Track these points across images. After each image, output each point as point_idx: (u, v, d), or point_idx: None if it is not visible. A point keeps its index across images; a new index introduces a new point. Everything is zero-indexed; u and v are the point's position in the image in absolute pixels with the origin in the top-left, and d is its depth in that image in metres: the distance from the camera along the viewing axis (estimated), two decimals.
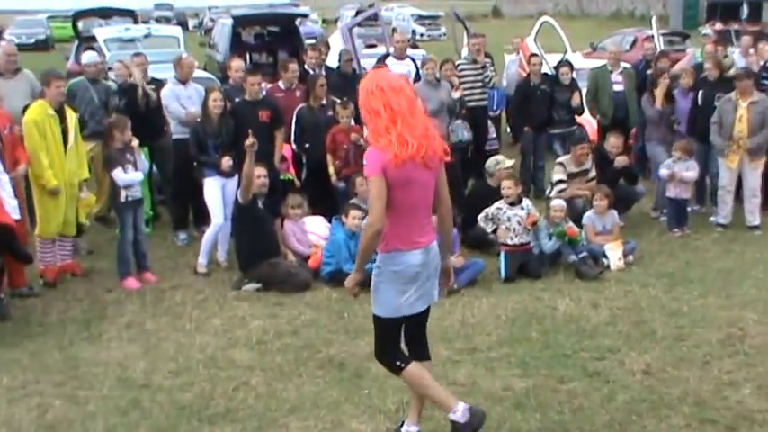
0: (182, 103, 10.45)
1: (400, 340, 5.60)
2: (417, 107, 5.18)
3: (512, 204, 9.61)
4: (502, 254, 9.38)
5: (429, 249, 5.34)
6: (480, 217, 9.67)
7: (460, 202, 10.78)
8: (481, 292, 8.92)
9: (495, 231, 9.65)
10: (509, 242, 9.44)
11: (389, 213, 5.12)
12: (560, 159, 10.96)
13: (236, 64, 11.18)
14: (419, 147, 5.03)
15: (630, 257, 9.71)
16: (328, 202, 10.42)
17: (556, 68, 13.36)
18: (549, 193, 10.66)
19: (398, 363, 5.48)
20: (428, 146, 5.09)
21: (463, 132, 11.43)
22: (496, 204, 9.66)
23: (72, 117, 9.15)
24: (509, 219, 9.51)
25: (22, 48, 12.63)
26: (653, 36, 16.18)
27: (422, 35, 50.07)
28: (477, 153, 12.50)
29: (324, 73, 11.94)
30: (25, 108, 9.23)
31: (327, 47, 13.27)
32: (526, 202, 9.77)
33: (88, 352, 7.43)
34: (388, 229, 5.17)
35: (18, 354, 7.41)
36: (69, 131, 9.05)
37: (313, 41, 18.98)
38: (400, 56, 12.90)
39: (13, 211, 8.15)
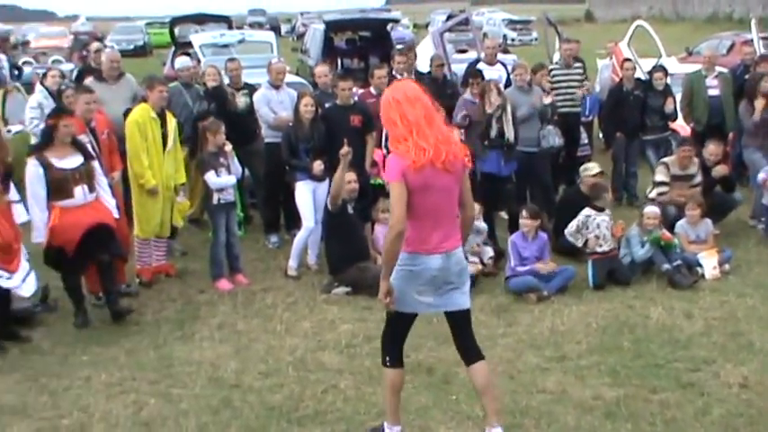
0: (272, 107, 10.58)
1: (404, 338, 5.87)
2: (434, 115, 5.35)
3: (599, 210, 9.49)
4: (589, 262, 9.26)
5: (451, 255, 5.46)
6: (568, 231, 9.53)
7: (551, 208, 10.72)
8: (571, 299, 8.82)
9: (585, 244, 9.52)
10: (598, 250, 9.32)
11: (410, 217, 5.28)
12: (664, 160, 10.76)
13: (321, 69, 11.31)
14: (437, 152, 5.20)
15: (726, 266, 9.47)
16: None
17: (649, 73, 13.12)
18: (650, 193, 10.48)
19: (387, 358, 5.79)
20: (447, 151, 5.25)
21: (554, 138, 11.30)
22: (584, 211, 9.54)
23: (172, 122, 9.36)
24: (598, 225, 9.39)
25: (122, 54, 12.91)
26: (752, 40, 15.76)
27: (513, 40, 49.68)
28: (568, 159, 12.37)
29: (414, 78, 11.95)
30: (126, 112, 9.48)
31: (414, 52, 13.25)
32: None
33: (181, 351, 7.58)
34: (410, 232, 5.32)
35: (115, 351, 7.61)
36: (169, 135, 9.25)
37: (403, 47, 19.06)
38: (491, 61, 12.84)
39: (112, 210, 8.36)
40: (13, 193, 7.80)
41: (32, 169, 7.89)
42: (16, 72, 23.69)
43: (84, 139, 8.45)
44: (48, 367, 7.33)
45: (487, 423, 5.74)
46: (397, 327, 5.80)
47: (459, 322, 5.79)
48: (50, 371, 7.24)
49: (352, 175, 9.22)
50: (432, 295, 5.54)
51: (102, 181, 8.34)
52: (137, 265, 9.37)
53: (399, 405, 5.89)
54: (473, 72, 11.71)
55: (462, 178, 5.45)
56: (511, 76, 11.99)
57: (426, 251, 5.40)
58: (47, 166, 7.85)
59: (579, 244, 9.52)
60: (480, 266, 9.33)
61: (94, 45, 14.64)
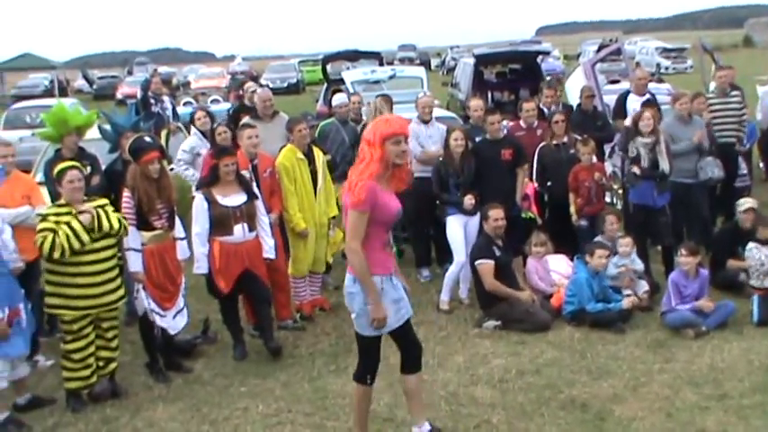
0: (421, 142, 10.67)
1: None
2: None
3: (764, 243, 9.16)
4: (755, 297, 8.93)
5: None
6: (759, 271, 9.22)
7: (708, 241, 10.41)
8: (731, 335, 8.52)
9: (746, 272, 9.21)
10: (762, 285, 8.98)
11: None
12: None
13: (475, 103, 11.30)
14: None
15: None
16: (571, 240, 10.29)
17: None
18: None
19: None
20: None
21: (713, 170, 10.92)
22: (749, 245, 9.24)
23: (320, 158, 9.55)
24: (762, 262, 9.06)
25: (275, 91, 13.30)
26: None
27: (666, 68, 48.71)
28: (726, 190, 11.97)
29: (562, 110, 11.85)
30: (282, 150, 9.74)
31: (561, 84, 13.15)
32: None
33: (335, 384, 7.70)
34: None
35: (271, 383, 7.80)
36: (318, 172, 9.44)
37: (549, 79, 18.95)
38: (640, 92, 12.58)
39: (269, 251, 8.58)
40: (180, 230, 8.10)
41: (198, 203, 8.24)
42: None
43: (246, 174, 8.74)
44: (208, 397, 7.58)
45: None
46: None
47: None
48: (211, 401, 7.49)
49: (499, 213, 9.20)
50: None
51: (263, 220, 8.59)
52: (294, 301, 9.57)
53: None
54: (645, 102, 11.51)
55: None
56: (667, 106, 11.70)
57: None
58: (211, 202, 8.17)
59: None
60: (635, 300, 9.13)
61: (249, 84, 15.13)
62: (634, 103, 11.75)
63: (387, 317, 6.00)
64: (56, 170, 7.32)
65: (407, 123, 6.36)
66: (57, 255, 6.96)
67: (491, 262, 9.11)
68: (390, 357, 8.24)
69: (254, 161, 9.09)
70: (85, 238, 7.03)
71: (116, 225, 7.28)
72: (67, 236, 6.95)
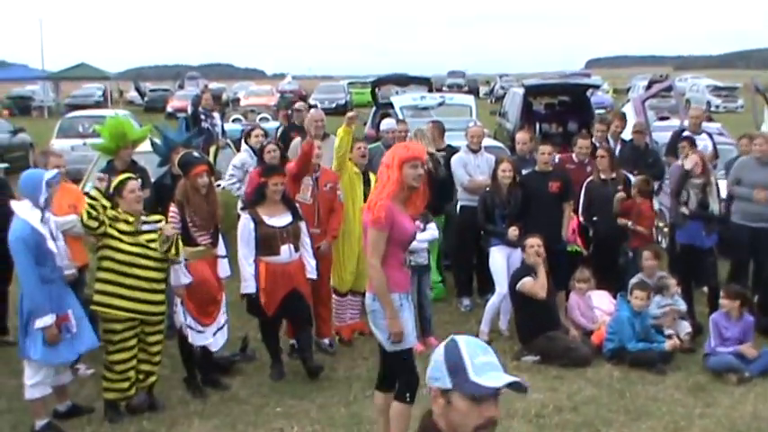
0: (469, 170, 10.67)
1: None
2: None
3: None
4: None
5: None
6: None
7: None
8: None
9: None
10: None
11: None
12: None
13: (521, 136, 11.30)
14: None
15: None
16: (614, 276, 10.21)
17: None
18: None
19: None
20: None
21: None
22: None
23: (374, 181, 9.58)
24: None
25: (324, 112, 13.33)
26: None
27: (717, 107, 48.25)
28: None
29: (618, 146, 11.79)
30: None
31: (623, 119, 13.03)
32: None
33: (371, 410, 7.63)
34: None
35: (307, 405, 7.79)
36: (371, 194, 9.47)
37: (602, 111, 18.80)
38: (695, 130, 12.47)
39: (311, 271, 8.60)
40: (222, 248, 8.15)
41: (245, 223, 8.28)
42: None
43: (308, 181, 8.83)
44: (244, 415, 7.60)
45: None
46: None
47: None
48: (246, 419, 7.51)
49: (537, 240, 9.15)
50: None
51: (305, 241, 8.58)
52: (335, 322, 9.58)
53: None
54: (682, 139, 11.46)
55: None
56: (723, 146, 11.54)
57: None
58: (258, 222, 8.21)
59: None
60: (677, 343, 9.02)
61: (298, 104, 15.23)
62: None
63: (404, 332, 6.24)
64: (116, 181, 7.43)
65: (424, 149, 6.79)
66: (93, 224, 7.11)
67: (530, 278, 9.08)
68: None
69: (316, 173, 9.13)
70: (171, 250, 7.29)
71: (173, 252, 7.40)
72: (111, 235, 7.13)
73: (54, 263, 7.04)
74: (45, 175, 7.15)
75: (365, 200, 9.29)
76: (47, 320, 6.85)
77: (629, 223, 10.27)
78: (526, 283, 9.07)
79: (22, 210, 7.02)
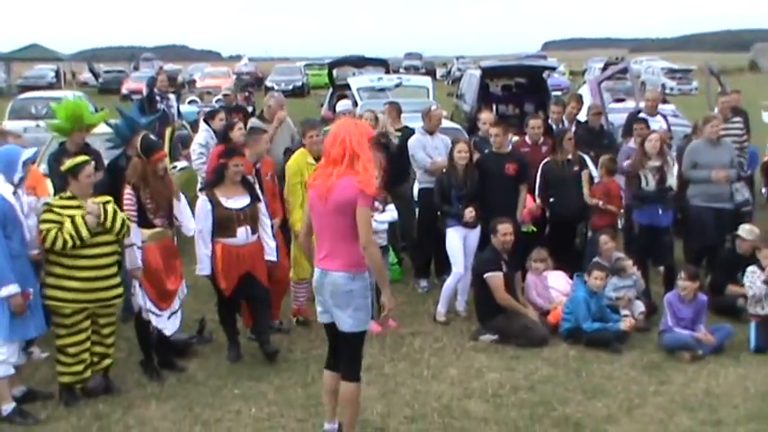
0: (428, 152, 10.68)
1: (329, 344, 6.54)
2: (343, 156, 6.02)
3: (763, 269, 9.15)
4: (752, 324, 8.93)
5: (325, 273, 6.16)
6: (753, 298, 9.17)
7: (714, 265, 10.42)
8: (728, 360, 8.52)
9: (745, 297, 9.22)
10: (760, 312, 8.98)
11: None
12: None
13: (486, 116, 11.33)
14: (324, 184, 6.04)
15: None
16: (571, 256, 10.28)
17: None
18: None
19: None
20: (331, 186, 6.01)
21: (745, 192, 10.95)
22: (749, 269, 9.25)
23: None
24: (760, 288, 9.04)
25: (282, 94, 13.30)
26: None
27: (672, 89, 48.67)
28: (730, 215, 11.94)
29: (573, 127, 11.85)
30: (286, 152, 9.73)
31: (579, 101, 13.12)
32: None
33: None
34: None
35: (265, 387, 7.79)
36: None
37: (559, 93, 18.89)
38: (652, 113, 12.58)
39: (271, 252, 8.57)
40: (189, 218, 8.10)
41: (202, 205, 8.23)
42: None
43: (250, 179, 8.75)
44: (201, 398, 7.57)
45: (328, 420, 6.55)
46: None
47: (339, 338, 6.31)
48: (204, 401, 7.48)
49: (508, 227, 9.19)
50: (320, 305, 6.33)
51: (265, 222, 8.56)
52: (293, 305, 9.54)
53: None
54: (637, 120, 11.56)
55: (351, 212, 5.97)
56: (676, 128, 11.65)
57: (313, 264, 6.31)
58: (215, 204, 8.16)
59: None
60: (633, 322, 9.11)
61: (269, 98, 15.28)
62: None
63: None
64: (71, 163, 7.32)
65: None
66: (58, 246, 7.00)
67: (500, 274, 9.11)
68: (385, 366, 8.28)
69: (257, 164, 9.10)
70: (85, 234, 7.06)
71: (118, 226, 7.30)
72: (71, 234, 6.98)
73: (23, 237, 6.96)
74: (23, 154, 7.09)
75: None
76: (11, 289, 6.79)
77: (600, 203, 10.32)
78: (496, 280, 9.12)
79: None
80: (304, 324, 9.49)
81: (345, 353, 6.30)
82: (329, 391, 6.51)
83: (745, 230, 9.92)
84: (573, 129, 11.74)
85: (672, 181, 10.05)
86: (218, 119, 11.51)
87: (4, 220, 6.82)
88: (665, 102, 17.89)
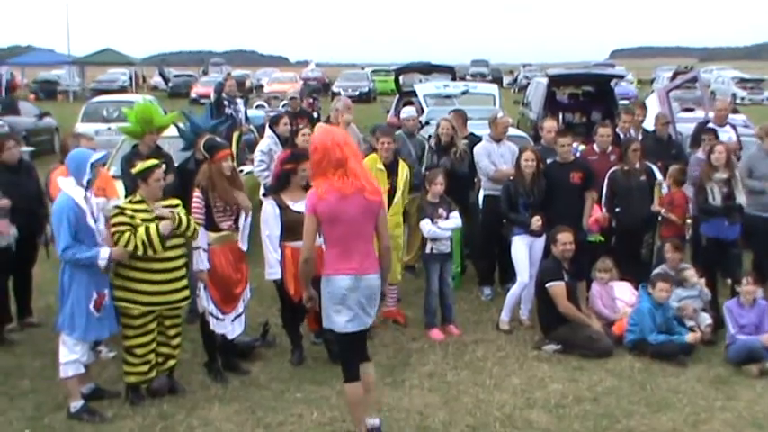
0: (493, 160, 10.64)
1: (354, 354, 6.52)
2: (349, 159, 6.23)
3: None
4: None
5: (360, 278, 6.29)
6: None
7: None
8: None
9: None
10: None
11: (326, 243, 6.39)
12: None
13: (549, 124, 11.24)
14: (343, 188, 6.19)
15: None
16: (637, 267, 10.17)
17: None
18: None
19: (346, 375, 6.49)
20: (358, 187, 6.21)
21: None
22: None
23: (403, 172, 9.59)
24: None
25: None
26: None
27: (743, 99, 47.91)
28: None
29: (640, 136, 11.72)
30: None
31: (644, 108, 12.99)
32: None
33: (391, 397, 7.69)
34: (326, 256, 6.39)
35: (327, 391, 7.81)
36: (399, 186, 9.48)
37: (626, 102, 18.66)
38: (721, 123, 12.40)
39: None
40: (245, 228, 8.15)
41: (269, 209, 8.29)
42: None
43: None
44: (264, 401, 7.63)
45: (368, 415, 6.61)
46: (342, 347, 6.58)
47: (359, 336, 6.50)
48: (266, 405, 7.54)
49: (568, 236, 9.13)
50: (347, 313, 6.33)
51: None
52: (383, 309, 9.50)
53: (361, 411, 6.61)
54: (706, 130, 11.39)
55: (377, 213, 6.36)
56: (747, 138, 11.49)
57: (336, 272, 6.27)
58: (283, 208, 8.22)
59: None
60: (698, 336, 8.97)
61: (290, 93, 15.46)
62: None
63: None
64: (141, 167, 7.44)
65: None
66: (130, 248, 7.13)
67: (562, 284, 9.05)
68: (447, 374, 8.27)
69: None
70: (157, 246, 7.17)
71: (188, 230, 7.41)
72: (143, 241, 7.11)
73: (93, 241, 7.09)
74: (91, 156, 7.24)
75: (389, 194, 9.29)
76: (103, 253, 7.01)
77: (663, 211, 10.21)
78: (557, 289, 9.05)
79: (67, 186, 7.12)
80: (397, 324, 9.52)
81: (365, 345, 6.73)
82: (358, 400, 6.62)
83: None
84: (640, 137, 11.62)
85: (740, 196, 9.85)
86: (282, 123, 11.55)
87: (77, 224, 6.97)
88: (735, 112, 17.61)
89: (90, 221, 7.06)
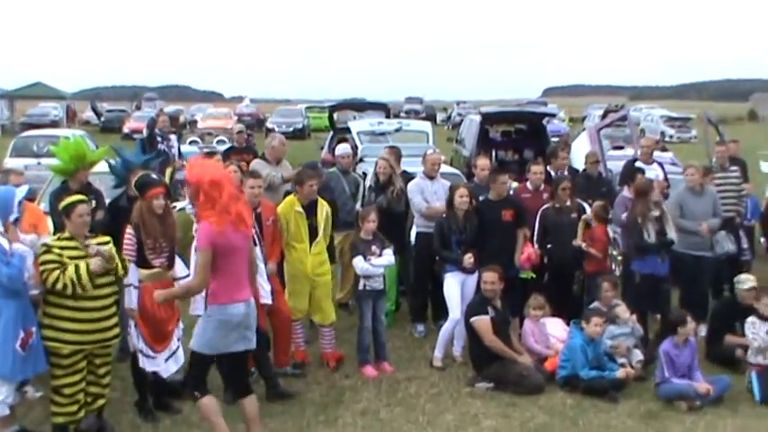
0: (426, 197, 10.71)
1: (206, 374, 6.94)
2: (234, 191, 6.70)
3: (765, 319, 9.16)
4: (753, 374, 8.91)
5: (249, 303, 6.78)
6: (755, 349, 9.22)
7: (705, 314, 10.41)
8: (726, 411, 8.49)
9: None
10: (761, 362, 8.97)
11: (215, 274, 6.56)
12: None
13: (482, 162, 11.33)
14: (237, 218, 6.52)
15: None
16: (569, 303, 10.27)
17: None
18: None
19: (197, 393, 6.89)
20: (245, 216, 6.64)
21: (728, 244, 11.05)
22: (749, 320, 9.26)
23: (323, 211, 9.44)
24: (763, 338, 9.03)
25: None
26: None
27: (671, 137, 48.96)
28: (728, 264, 11.96)
29: (568, 175, 11.91)
30: (286, 194, 9.75)
31: (568, 146, 13.22)
32: None
33: None
34: (215, 287, 6.60)
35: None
36: (319, 226, 9.39)
37: (557, 140, 18.93)
38: (647, 160, 12.68)
39: (266, 296, 8.55)
40: (182, 269, 8.05)
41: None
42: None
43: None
44: None
45: None
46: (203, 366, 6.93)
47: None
48: None
49: (493, 276, 9.20)
50: (240, 337, 6.75)
51: (260, 267, 8.50)
52: (291, 347, 9.45)
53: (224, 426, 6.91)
54: (633, 170, 11.60)
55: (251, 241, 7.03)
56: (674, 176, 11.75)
57: (232, 301, 6.60)
58: None
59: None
60: (630, 371, 9.08)
61: (237, 127, 15.58)
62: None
63: None
64: (65, 203, 7.34)
65: None
66: (59, 288, 7.01)
67: (487, 318, 9.09)
68: (381, 411, 8.22)
69: (257, 209, 9.04)
70: (87, 285, 7.06)
71: (120, 270, 7.33)
72: (72, 279, 6.98)
73: (24, 280, 6.98)
74: (17, 194, 7.12)
75: (310, 235, 9.29)
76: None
77: (583, 245, 10.35)
78: (481, 324, 9.10)
79: None
80: (301, 367, 9.40)
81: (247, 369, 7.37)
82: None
83: (742, 280, 9.94)
84: (566, 174, 11.81)
85: (671, 232, 10.04)
86: (215, 160, 11.50)
87: None
88: (663, 150, 17.98)
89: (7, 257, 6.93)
